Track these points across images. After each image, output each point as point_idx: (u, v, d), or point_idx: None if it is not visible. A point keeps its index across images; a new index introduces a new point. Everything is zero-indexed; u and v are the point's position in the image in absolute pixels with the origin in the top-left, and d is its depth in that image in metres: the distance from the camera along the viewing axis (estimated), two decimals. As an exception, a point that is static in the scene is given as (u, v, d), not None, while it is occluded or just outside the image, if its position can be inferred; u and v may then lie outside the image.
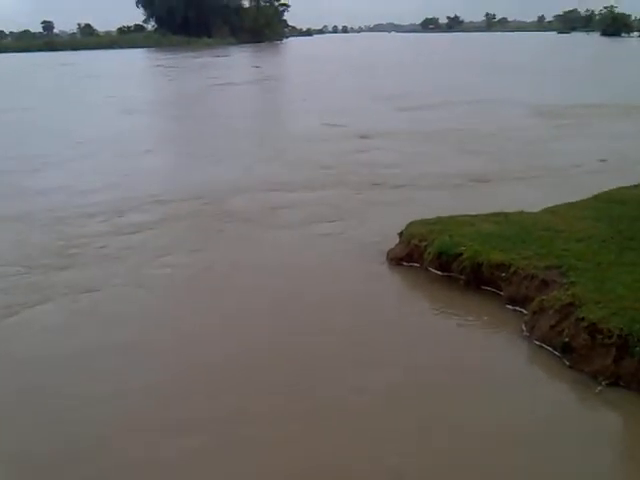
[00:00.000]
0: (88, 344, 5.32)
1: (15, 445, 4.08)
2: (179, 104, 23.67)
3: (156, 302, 6.21)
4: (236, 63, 46.96)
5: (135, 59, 57.87)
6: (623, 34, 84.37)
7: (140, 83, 32.19)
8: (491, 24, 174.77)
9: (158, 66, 42.89)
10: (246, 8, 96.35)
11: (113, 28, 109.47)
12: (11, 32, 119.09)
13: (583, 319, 4.74)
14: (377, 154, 12.80)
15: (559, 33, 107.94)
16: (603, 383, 4.44)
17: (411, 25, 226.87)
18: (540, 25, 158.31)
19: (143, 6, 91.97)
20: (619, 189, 8.10)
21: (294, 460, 3.86)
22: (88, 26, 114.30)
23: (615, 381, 4.44)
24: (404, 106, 19.93)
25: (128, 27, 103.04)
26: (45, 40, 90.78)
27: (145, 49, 74.70)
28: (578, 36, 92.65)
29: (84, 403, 4.46)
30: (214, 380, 4.77)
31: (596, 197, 7.81)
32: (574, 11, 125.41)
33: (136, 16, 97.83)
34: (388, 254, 7.00)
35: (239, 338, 5.38)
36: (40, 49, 78.40)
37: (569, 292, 5.11)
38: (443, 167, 11.35)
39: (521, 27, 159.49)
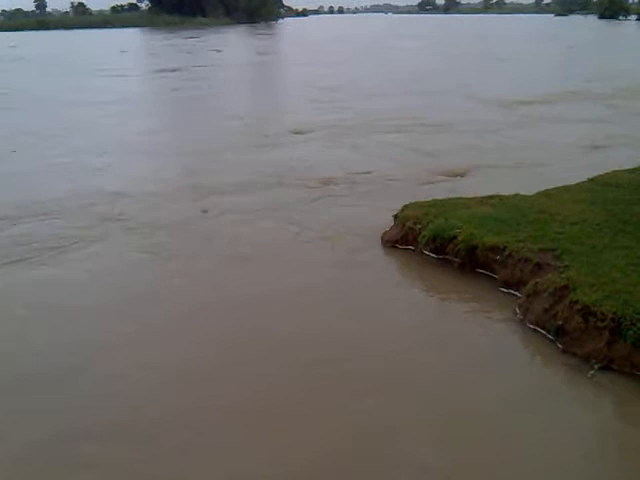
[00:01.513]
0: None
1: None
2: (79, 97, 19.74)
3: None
4: (204, 46, 44.53)
5: (107, 39, 56.84)
6: (620, 17, 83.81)
7: (56, 71, 28.57)
8: (488, 6, 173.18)
9: (120, 51, 39.88)
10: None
11: (107, 7, 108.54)
12: (3, 10, 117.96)
13: (577, 302, 4.75)
14: (319, 151, 11.55)
15: (556, 15, 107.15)
16: (595, 366, 4.46)
17: (408, 6, 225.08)
18: (538, 7, 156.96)
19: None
20: (614, 173, 8.08)
21: (308, 451, 3.85)
22: (81, 5, 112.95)
23: (607, 364, 4.46)
24: (351, 96, 18.63)
25: (121, 6, 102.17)
26: (37, 19, 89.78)
27: (137, 29, 73.90)
28: (575, 19, 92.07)
29: None
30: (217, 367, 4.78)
31: (591, 180, 7.79)
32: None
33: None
34: (383, 237, 6.98)
35: (233, 324, 5.39)
36: (32, 28, 77.65)
37: (563, 275, 5.11)
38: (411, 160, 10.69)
39: (518, 9, 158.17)
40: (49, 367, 4.70)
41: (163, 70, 27.88)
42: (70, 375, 4.59)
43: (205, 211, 8.21)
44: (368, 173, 9.79)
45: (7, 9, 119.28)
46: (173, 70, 27.71)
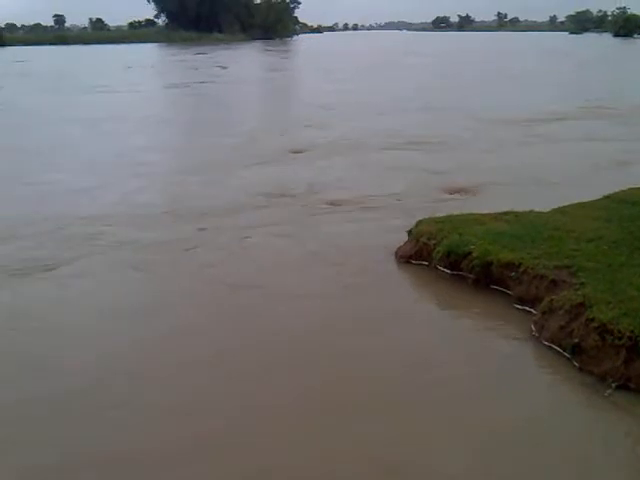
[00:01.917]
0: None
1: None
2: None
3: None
4: (211, 62, 43.35)
5: (119, 54, 56.77)
6: (635, 35, 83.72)
7: (56, 88, 27.74)
8: (502, 24, 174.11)
9: (127, 67, 39.35)
10: (257, 4, 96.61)
11: (124, 23, 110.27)
12: (23, 25, 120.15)
13: (593, 319, 4.70)
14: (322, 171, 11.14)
15: (571, 33, 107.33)
16: (613, 385, 4.39)
17: (422, 23, 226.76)
18: (552, 25, 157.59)
19: (154, 1, 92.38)
20: (630, 190, 8.02)
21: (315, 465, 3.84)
22: (99, 20, 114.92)
23: (625, 383, 4.39)
24: (356, 113, 18.43)
25: (139, 22, 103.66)
26: (56, 34, 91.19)
27: (154, 44, 74.63)
28: (590, 37, 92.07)
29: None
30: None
31: (607, 197, 7.74)
32: (586, 12, 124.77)
33: (147, 11, 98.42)
34: (397, 252, 6.97)
35: (237, 341, 5.38)
36: (51, 43, 78.87)
37: (579, 292, 5.06)
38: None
39: (533, 27, 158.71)
40: (48, 391, 4.55)
41: (164, 87, 27.87)
42: (70, 399, 4.47)
43: (203, 229, 8.02)
44: (377, 190, 9.70)
45: (26, 24, 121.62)
46: (174, 86, 27.66)
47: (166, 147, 14.46)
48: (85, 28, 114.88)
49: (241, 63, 44.73)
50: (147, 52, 61.56)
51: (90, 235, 7.84)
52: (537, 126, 15.71)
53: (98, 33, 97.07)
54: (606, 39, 79.80)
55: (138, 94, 25.56)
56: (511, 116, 17.19)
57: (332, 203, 9.14)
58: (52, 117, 19.04)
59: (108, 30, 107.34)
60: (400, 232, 7.26)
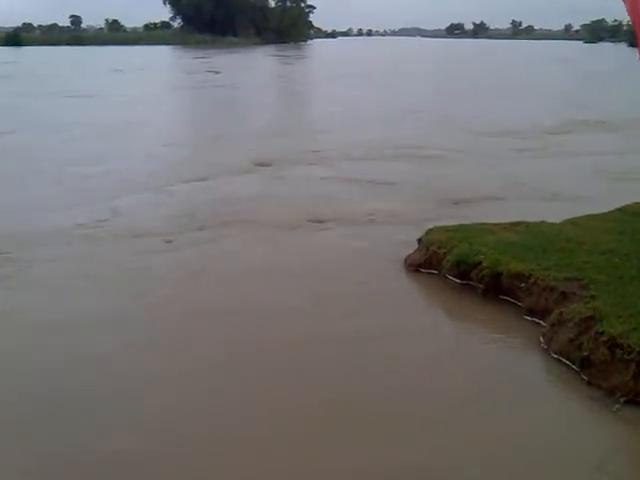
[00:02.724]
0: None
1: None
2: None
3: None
4: (206, 67, 41.41)
5: (121, 56, 56.10)
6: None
7: (26, 91, 25.84)
8: (517, 31, 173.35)
9: (112, 70, 38.08)
10: (272, 8, 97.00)
11: (140, 24, 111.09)
12: (39, 25, 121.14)
13: (603, 333, 4.66)
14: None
15: (585, 42, 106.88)
16: (621, 400, 4.35)
17: (436, 30, 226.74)
18: (567, 34, 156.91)
19: (170, 3, 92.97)
20: (644, 202, 7.96)
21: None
22: (115, 22, 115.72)
23: (633, 398, 4.35)
24: (351, 124, 17.68)
25: (154, 24, 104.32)
26: (72, 35, 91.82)
27: (167, 46, 74.73)
28: (605, 46, 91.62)
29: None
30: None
31: (619, 210, 7.67)
32: (602, 21, 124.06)
33: (163, 13, 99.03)
34: (406, 260, 6.96)
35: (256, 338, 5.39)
36: (68, 43, 79.41)
37: (589, 305, 5.03)
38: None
39: (547, 35, 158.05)
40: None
41: (148, 91, 26.99)
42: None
43: (169, 241, 7.66)
44: (376, 202, 9.48)
45: (43, 24, 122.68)
46: (162, 90, 27.14)
47: (132, 155, 13.40)
48: (101, 29, 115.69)
49: (238, 69, 43.03)
50: (152, 54, 61.22)
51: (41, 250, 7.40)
52: (544, 139, 15.46)
53: (114, 34, 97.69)
54: (621, 49, 79.26)
55: (114, 99, 23.96)
56: (518, 128, 16.86)
57: (335, 212, 8.98)
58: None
59: (124, 31, 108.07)
60: (405, 243, 7.23)
